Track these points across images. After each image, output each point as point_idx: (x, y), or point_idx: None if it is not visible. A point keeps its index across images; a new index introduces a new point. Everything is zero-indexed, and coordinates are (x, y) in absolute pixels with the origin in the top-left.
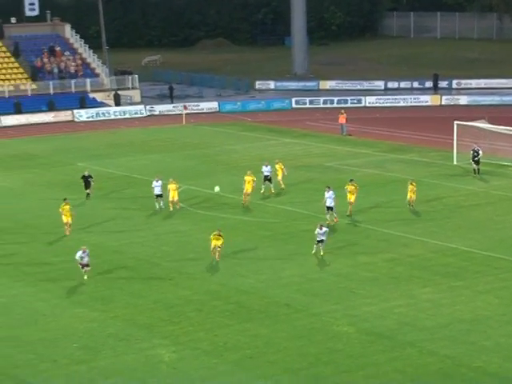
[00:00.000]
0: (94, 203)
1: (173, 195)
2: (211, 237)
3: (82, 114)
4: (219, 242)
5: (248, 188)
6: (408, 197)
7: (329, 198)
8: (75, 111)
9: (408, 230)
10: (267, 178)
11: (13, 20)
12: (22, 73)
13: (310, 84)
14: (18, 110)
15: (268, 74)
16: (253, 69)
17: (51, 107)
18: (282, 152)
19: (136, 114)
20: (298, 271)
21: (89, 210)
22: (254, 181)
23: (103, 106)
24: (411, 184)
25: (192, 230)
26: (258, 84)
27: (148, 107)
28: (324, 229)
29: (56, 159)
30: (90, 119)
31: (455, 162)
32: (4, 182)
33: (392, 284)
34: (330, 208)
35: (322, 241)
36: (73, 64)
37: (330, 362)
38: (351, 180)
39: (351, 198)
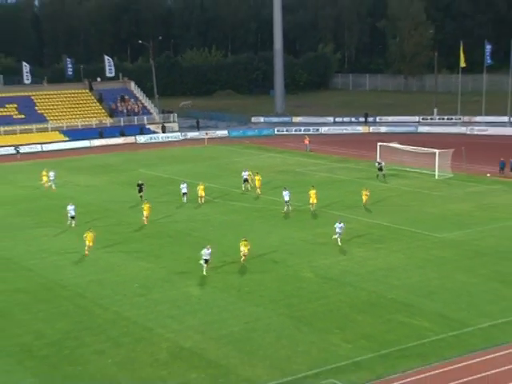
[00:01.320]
0: (148, 194)
1: (200, 193)
2: (240, 243)
3: (141, 139)
4: (246, 248)
5: (257, 184)
6: (363, 200)
7: (285, 195)
8: (137, 136)
9: (348, 212)
10: (245, 180)
11: (98, 79)
12: (103, 112)
13: (286, 119)
14: (101, 136)
15: (259, 112)
16: (250, 109)
17: (122, 134)
18: (268, 162)
19: (175, 138)
20: (278, 238)
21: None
22: (259, 179)
23: (155, 133)
24: (365, 190)
25: (211, 212)
26: (253, 119)
27: (183, 134)
28: (341, 224)
29: (125, 167)
30: (146, 142)
31: None
32: (93, 182)
33: (338, 246)
34: (286, 201)
35: (339, 233)
36: (135, 106)
37: (298, 296)
38: (312, 186)
39: (314, 200)
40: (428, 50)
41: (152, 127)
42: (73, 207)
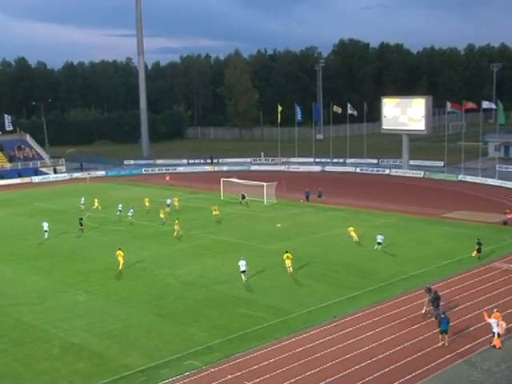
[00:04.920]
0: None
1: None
2: (284, 257)
3: (36, 179)
4: (289, 261)
5: (162, 214)
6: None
7: (129, 212)
8: (32, 177)
9: (203, 231)
10: (167, 204)
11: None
12: (4, 158)
13: (151, 161)
14: (2, 177)
15: (130, 156)
16: (122, 154)
17: (19, 175)
18: (138, 194)
19: (64, 178)
20: (148, 253)
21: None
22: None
23: (47, 174)
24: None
25: (94, 235)
26: (126, 162)
27: (70, 174)
28: (382, 235)
29: (22, 201)
30: (40, 181)
31: (222, 198)
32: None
33: (194, 257)
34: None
35: (379, 243)
36: (30, 154)
37: (163, 297)
38: (214, 203)
39: (216, 213)
40: (255, 109)
41: (45, 169)
42: None
